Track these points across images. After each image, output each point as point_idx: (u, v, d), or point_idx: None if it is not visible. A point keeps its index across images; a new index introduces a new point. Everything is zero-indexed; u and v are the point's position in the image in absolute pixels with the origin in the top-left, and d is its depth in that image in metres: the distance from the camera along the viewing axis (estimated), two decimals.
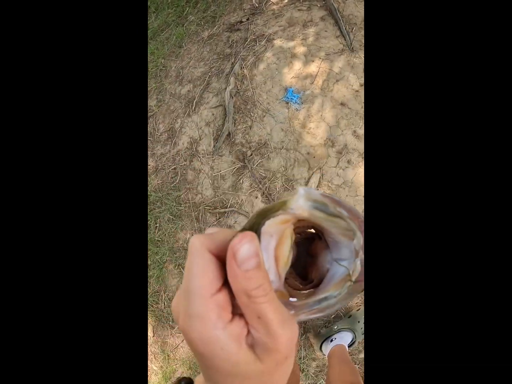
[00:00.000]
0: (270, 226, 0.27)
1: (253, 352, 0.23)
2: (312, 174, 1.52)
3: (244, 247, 0.22)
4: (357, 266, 0.29)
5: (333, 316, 1.60)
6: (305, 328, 1.63)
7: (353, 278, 0.29)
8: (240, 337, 0.23)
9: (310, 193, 0.27)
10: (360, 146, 1.54)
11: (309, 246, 0.34)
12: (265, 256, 0.26)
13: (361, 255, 0.29)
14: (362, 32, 1.75)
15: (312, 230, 0.33)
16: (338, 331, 1.51)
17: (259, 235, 0.26)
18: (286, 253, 0.29)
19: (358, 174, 1.52)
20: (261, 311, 0.22)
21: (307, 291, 0.31)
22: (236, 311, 0.24)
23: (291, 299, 0.30)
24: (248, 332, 0.23)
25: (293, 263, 0.31)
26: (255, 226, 0.26)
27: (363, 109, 1.58)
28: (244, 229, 0.25)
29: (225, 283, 0.23)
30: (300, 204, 0.27)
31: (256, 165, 1.57)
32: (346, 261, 0.30)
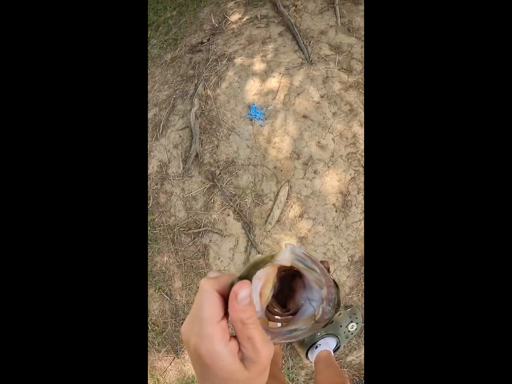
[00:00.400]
0: (260, 272, 0.35)
1: (243, 364, 0.31)
2: (281, 187, 1.55)
3: (242, 291, 0.31)
4: (320, 311, 0.37)
5: None
6: None
7: (316, 318, 0.37)
8: (235, 353, 0.31)
9: (294, 250, 0.36)
10: (325, 155, 1.58)
11: (291, 282, 0.42)
12: (254, 294, 0.35)
13: (324, 303, 0.37)
14: (320, 45, 1.81)
15: (295, 268, 0.41)
16: (322, 337, 1.52)
17: (251, 280, 0.34)
18: (268, 292, 0.38)
19: (325, 183, 1.55)
20: (250, 334, 0.31)
21: (285, 317, 0.40)
22: (230, 334, 0.32)
23: (271, 323, 0.39)
24: (239, 349, 0.31)
25: (277, 294, 0.40)
26: (249, 275, 0.34)
27: (324, 120, 1.63)
28: (241, 277, 0.34)
29: (225, 314, 0.32)
30: (286, 257, 0.36)
31: (226, 183, 1.59)
32: (316, 302, 0.38)
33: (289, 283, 0.42)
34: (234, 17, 2.01)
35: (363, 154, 1.59)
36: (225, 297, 0.32)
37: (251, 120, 1.64)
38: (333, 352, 1.47)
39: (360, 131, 1.61)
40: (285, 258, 0.36)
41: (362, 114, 1.64)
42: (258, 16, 1.96)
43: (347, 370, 1.62)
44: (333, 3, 1.95)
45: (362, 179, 1.57)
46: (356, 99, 1.66)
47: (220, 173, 1.60)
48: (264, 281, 0.37)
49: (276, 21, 1.92)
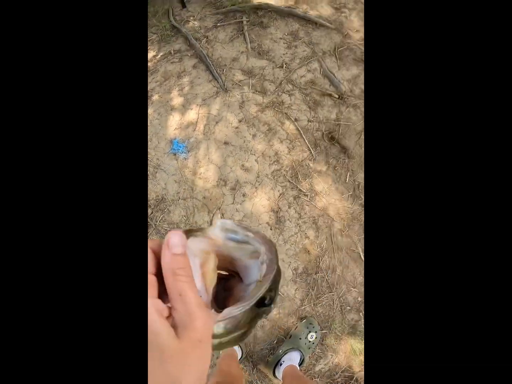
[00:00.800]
0: (192, 242, 0.33)
1: (174, 330, 0.26)
2: (213, 216, 1.57)
3: (174, 237, 0.28)
4: (263, 269, 0.35)
5: (275, 341, 1.62)
6: (253, 362, 1.64)
7: (261, 278, 0.36)
8: (162, 311, 0.26)
9: (225, 223, 0.35)
10: (251, 177, 1.63)
11: (225, 284, 0.41)
12: (193, 269, 0.32)
13: (266, 259, 0.35)
14: (233, 72, 1.88)
15: (226, 273, 0.40)
16: (284, 353, 1.54)
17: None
18: (211, 272, 0.35)
19: (255, 204, 1.59)
20: (182, 289, 0.27)
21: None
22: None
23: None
24: (170, 315, 0.27)
25: (214, 297, 0.37)
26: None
27: (245, 143, 1.68)
28: None
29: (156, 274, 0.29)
30: (216, 233, 0.34)
31: (159, 221, 1.59)
32: (257, 276, 0.36)
33: (223, 286, 0.41)
34: (149, 55, 2.05)
35: (287, 169, 1.65)
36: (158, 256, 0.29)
37: (175, 154, 1.67)
38: (300, 365, 1.49)
39: (281, 147, 1.68)
40: (216, 235, 0.35)
41: (281, 131, 1.71)
42: (172, 51, 2.01)
43: (319, 379, 1.63)
44: (242, 30, 2.03)
45: (291, 193, 1.63)
46: (273, 118, 1.73)
47: (152, 212, 1.61)
48: (203, 259, 0.35)
49: (189, 54, 1.98)
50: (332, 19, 2.07)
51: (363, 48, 1.95)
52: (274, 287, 0.36)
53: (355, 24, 2.06)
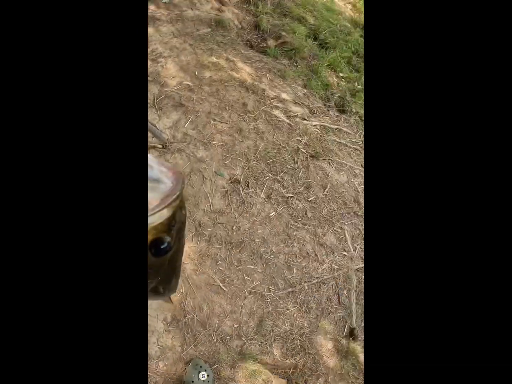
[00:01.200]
0: None
1: None
2: None
3: None
4: (164, 192, 0.34)
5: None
6: None
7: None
8: None
9: None
10: None
11: None
12: None
13: (170, 186, 0.34)
14: None
15: None
16: None
17: None
18: None
19: None
20: None
21: None
22: None
23: None
24: None
25: None
26: None
27: None
28: None
29: None
30: None
31: None
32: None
33: None
34: None
35: None
36: None
37: None
38: None
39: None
40: None
41: None
42: None
43: None
44: None
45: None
46: None
47: None
48: None
49: None
50: (149, 72, 2.18)
51: (180, 93, 2.09)
52: (173, 228, 0.35)
53: (171, 71, 2.19)
